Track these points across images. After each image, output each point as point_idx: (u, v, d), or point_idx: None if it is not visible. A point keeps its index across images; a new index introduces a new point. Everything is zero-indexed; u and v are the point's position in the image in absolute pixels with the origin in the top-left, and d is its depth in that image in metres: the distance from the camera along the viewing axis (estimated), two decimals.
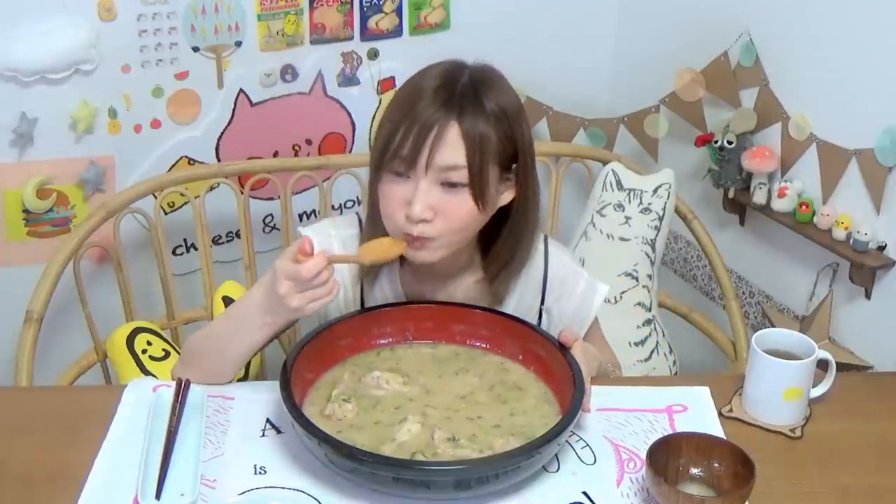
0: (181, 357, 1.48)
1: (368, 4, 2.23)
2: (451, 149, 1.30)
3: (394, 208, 1.34)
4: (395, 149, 1.31)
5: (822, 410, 1.44)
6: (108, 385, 1.94)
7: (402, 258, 1.41)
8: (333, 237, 1.47)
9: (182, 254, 2.24)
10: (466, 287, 1.49)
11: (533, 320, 1.51)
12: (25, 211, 2.01)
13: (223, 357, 1.40)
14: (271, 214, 2.30)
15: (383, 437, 1.26)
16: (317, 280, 1.26)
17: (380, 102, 2.33)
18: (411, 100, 1.32)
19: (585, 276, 1.54)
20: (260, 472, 1.26)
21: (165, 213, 2.13)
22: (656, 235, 2.15)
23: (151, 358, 1.86)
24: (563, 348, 1.37)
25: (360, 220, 1.50)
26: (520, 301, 1.51)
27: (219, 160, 2.19)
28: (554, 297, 1.52)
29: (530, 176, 1.39)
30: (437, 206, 1.32)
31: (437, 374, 1.40)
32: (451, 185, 1.32)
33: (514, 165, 1.37)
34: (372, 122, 2.33)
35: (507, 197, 1.39)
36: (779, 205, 2.04)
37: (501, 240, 1.43)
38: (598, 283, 1.54)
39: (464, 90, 1.32)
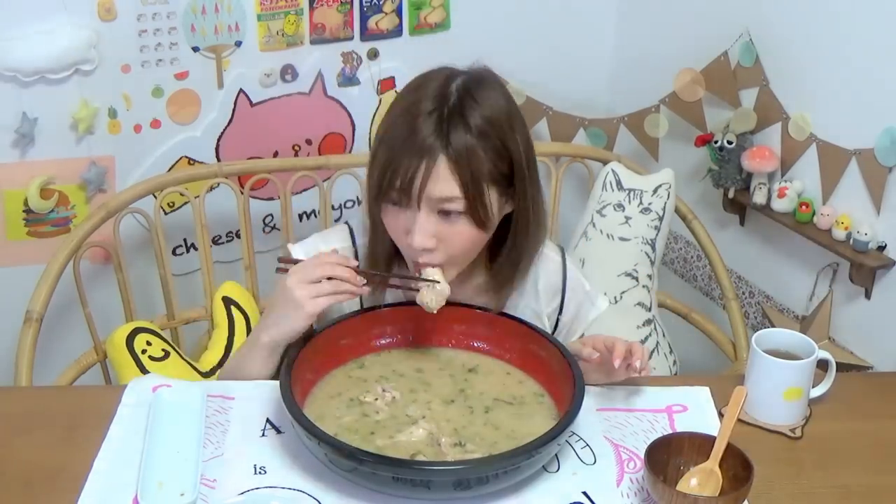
0: None
1: (368, 4, 2.23)
2: (444, 181, 1.28)
3: (397, 236, 1.36)
4: (389, 181, 1.29)
5: (822, 410, 1.44)
6: (108, 385, 1.94)
7: (404, 262, 1.41)
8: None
9: (182, 254, 2.24)
10: (471, 291, 1.47)
11: (546, 328, 1.50)
12: (26, 211, 2.01)
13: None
14: (271, 214, 2.30)
15: (384, 435, 1.27)
16: (322, 270, 1.28)
17: (380, 102, 2.33)
18: (404, 126, 1.29)
19: (586, 287, 1.53)
20: (260, 472, 1.26)
21: (165, 213, 2.13)
22: (656, 235, 2.15)
23: (151, 358, 1.86)
24: (562, 348, 1.37)
25: (350, 231, 1.49)
26: (527, 306, 1.50)
27: (219, 160, 2.19)
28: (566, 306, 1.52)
29: (529, 182, 1.35)
30: (438, 233, 1.31)
31: (437, 379, 1.40)
32: (449, 214, 1.30)
33: (512, 177, 1.33)
34: (372, 122, 2.33)
35: (510, 206, 1.37)
36: (779, 205, 2.04)
37: (507, 247, 1.41)
38: (598, 298, 1.54)
39: (450, 113, 1.28)
